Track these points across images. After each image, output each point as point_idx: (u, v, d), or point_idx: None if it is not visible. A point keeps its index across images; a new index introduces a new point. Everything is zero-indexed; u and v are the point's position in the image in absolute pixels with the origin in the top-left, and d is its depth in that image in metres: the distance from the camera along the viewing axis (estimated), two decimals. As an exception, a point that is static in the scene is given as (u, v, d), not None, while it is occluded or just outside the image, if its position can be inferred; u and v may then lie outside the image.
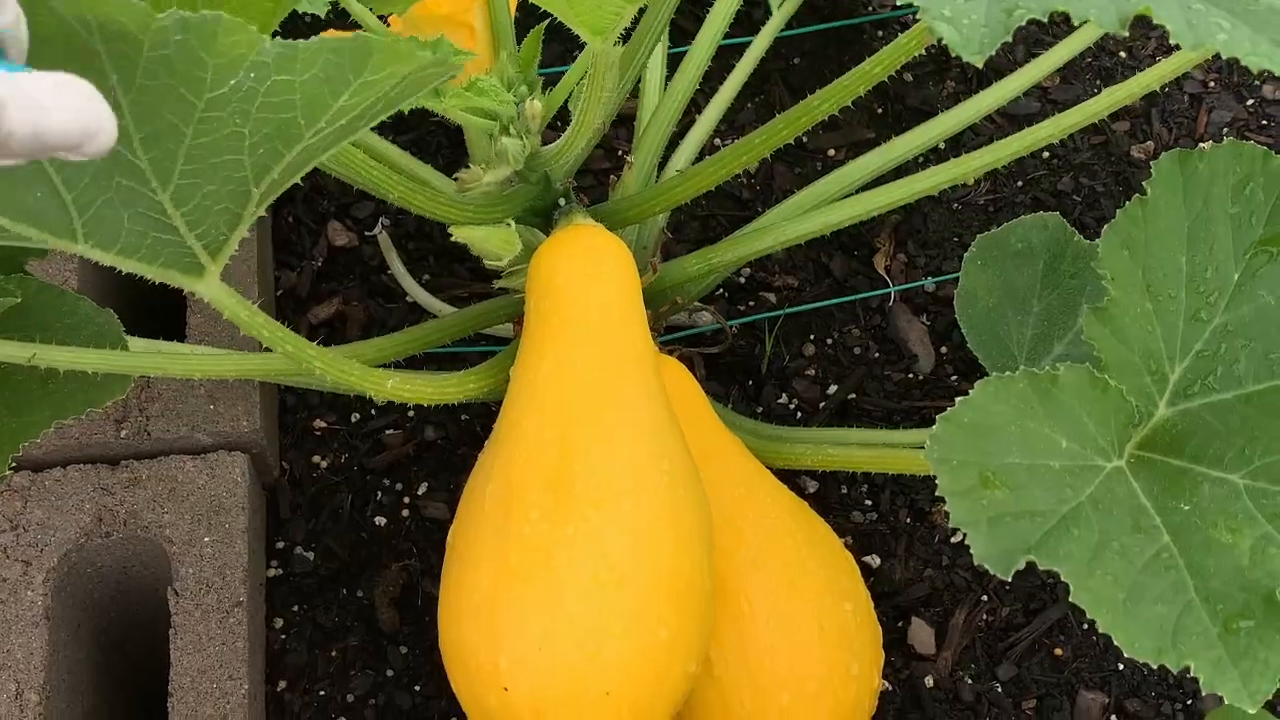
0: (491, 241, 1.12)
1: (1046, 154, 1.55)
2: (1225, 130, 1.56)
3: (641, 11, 1.11)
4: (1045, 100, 1.57)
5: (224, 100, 0.77)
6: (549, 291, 1.11)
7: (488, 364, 1.18)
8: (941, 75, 1.60)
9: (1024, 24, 0.77)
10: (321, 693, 1.27)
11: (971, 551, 0.89)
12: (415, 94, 0.83)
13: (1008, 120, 1.55)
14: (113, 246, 0.86)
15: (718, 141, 1.55)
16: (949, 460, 0.92)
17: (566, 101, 1.12)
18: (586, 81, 1.02)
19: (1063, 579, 0.87)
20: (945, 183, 1.19)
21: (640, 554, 1.00)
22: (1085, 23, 0.76)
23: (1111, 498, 0.92)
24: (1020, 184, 1.53)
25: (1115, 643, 0.85)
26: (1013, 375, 0.93)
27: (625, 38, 1.13)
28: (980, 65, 0.78)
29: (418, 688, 1.27)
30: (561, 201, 1.20)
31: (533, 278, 1.13)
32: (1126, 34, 0.77)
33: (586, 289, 1.10)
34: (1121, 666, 1.29)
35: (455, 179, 1.20)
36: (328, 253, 1.47)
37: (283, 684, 1.26)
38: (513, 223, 1.15)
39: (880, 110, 1.58)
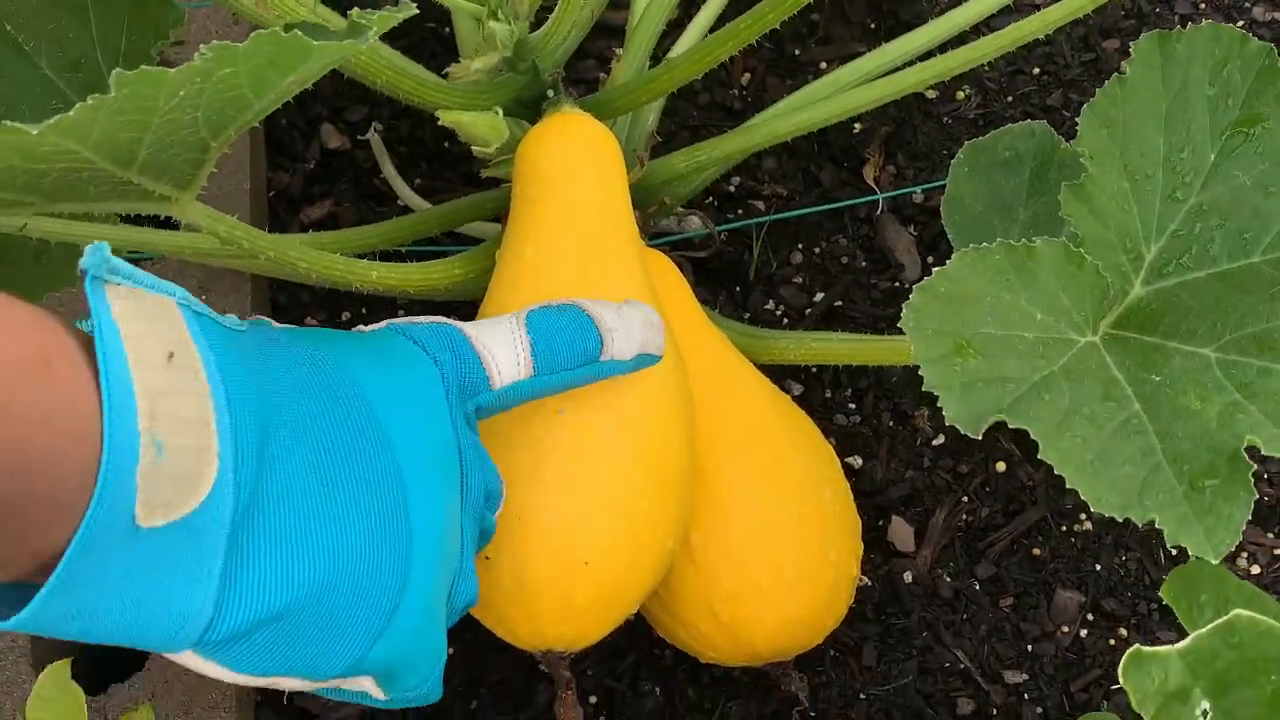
0: (479, 126, 1.13)
1: (1037, 70, 1.56)
2: (1215, 50, 1.56)
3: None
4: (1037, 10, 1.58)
5: (181, 103, 0.76)
6: (534, 177, 1.12)
7: (474, 250, 1.19)
8: (934, -8, 1.61)
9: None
10: (308, 580, 1.28)
11: (944, 413, 0.90)
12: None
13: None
14: (82, 202, 0.86)
15: (710, 55, 1.56)
16: (924, 328, 0.93)
17: (556, -10, 1.13)
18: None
19: (1032, 437, 0.88)
20: (930, 79, 1.20)
21: (619, 433, 1.02)
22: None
23: (1083, 369, 0.94)
24: (1010, 99, 1.54)
25: (1083, 498, 0.86)
26: (990, 247, 0.95)
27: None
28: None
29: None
30: (550, 93, 1.21)
31: (519, 164, 1.14)
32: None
33: (571, 174, 1.11)
34: (1099, 567, 1.30)
35: (447, 70, 1.22)
36: (321, 155, 1.49)
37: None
38: (499, 110, 1.16)
39: (874, 25, 1.59)
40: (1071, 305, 0.96)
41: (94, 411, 0.66)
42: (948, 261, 0.95)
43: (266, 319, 0.84)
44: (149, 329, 0.69)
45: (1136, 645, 0.82)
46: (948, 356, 0.92)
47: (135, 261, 1.32)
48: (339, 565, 0.75)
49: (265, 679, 0.76)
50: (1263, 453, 0.88)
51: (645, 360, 0.97)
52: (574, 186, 1.10)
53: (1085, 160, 0.98)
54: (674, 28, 1.42)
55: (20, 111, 0.94)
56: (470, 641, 1.26)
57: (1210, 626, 0.83)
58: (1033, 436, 0.88)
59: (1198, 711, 0.84)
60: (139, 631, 0.70)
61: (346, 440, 0.78)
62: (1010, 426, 0.89)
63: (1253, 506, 0.86)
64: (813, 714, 1.24)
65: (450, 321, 0.91)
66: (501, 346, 0.89)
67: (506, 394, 0.90)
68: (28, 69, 0.94)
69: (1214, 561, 0.83)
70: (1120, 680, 0.82)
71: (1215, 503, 0.86)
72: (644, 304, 0.99)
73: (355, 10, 0.77)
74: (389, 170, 1.44)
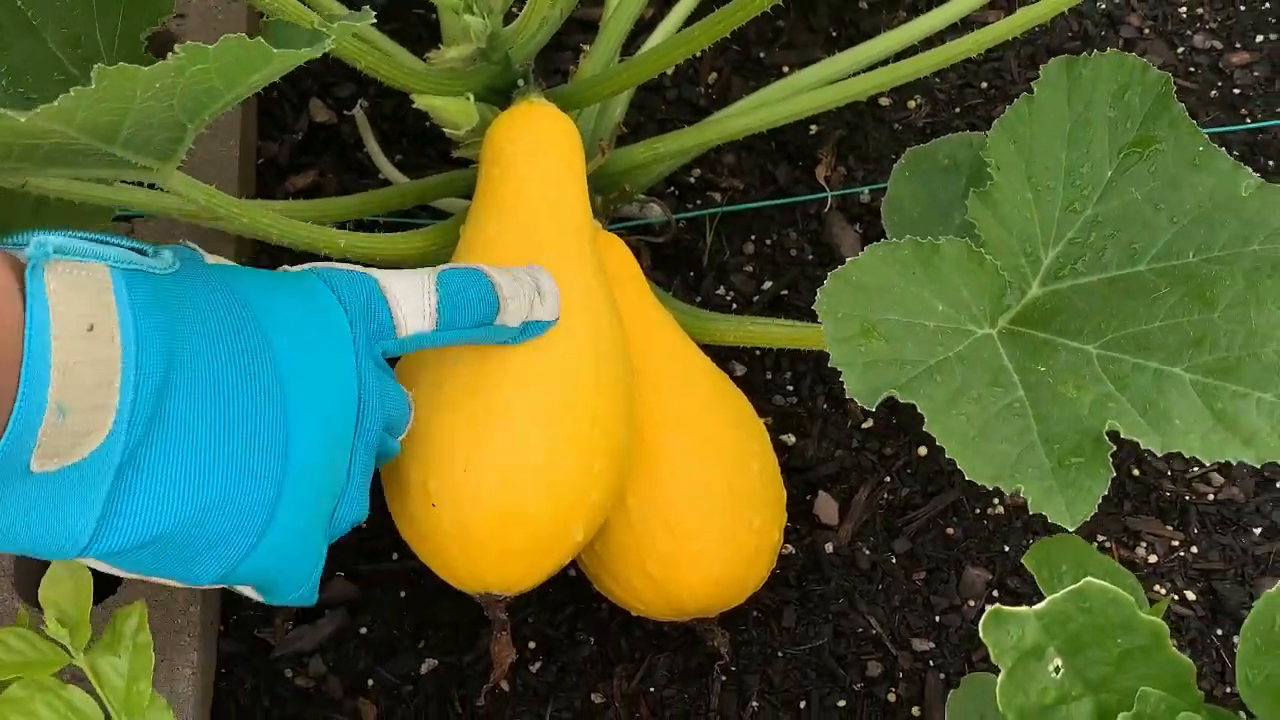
0: (450, 110, 1.23)
1: (985, 84, 1.66)
2: (1155, 74, 1.66)
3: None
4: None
5: (156, 94, 0.85)
6: (499, 160, 1.22)
7: (440, 224, 1.29)
8: (895, 4, 1.70)
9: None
10: (274, 522, 1.38)
11: (845, 387, 1.00)
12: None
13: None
14: (73, 169, 0.97)
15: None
16: (835, 312, 1.03)
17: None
18: (540, -37, 1.13)
19: (920, 412, 0.98)
20: (874, 87, 1.30)
21: (560, 395, 1.12)
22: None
23: (976, 356, 1.04)
24: (958, 110, 1.64)
25: (960, 468, 0.96)
26: (899, 242, 1.05)
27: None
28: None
29: (363, 523, 1.39)
30: (521, 83, 1.30)
31: (486, 147, 1.24)
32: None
33: (532, 159, 1.21)
34: (1007, 549, 1.40)
35: (426, 57, 1.31)
36: (309, 128, 1.58)
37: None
38: (471, 96, 1.25)
39: (835, 34, 1.69)
40: (971, 299, 1.06)
41: (17, 351, 0.78)
42: (862, 253, 1.05)
43: (198, 253, 0.97)
44: (76, 301, 0.82)
45: (997, 605, 0.92)
46: (854, 338, 1.02)
47: (127, 219, 1.42)
48: (210, 502, 0.88)
49: (149, 578, 0.90)
50: (1121, 436, 0.98)
51: (534, 327, 1.08)
52: (534, 171, 1.20)
53: (992, 170, 1.08)
54: (649, 27, 1.52)
55: (25, 80, 1.03)
56: (420, 588, 1.36)
57: (1065, 592, 0.93)
58: (921, 412, 0.98)
59: (1050, 668, 0.94)
60: (32, 546, 0.84)
61: (241, 382, 0.90)
62: (901, 401, 0.99)
63: (1109, 483, 0.96)
64: (733, 668, 1.34)
65: (369, 271, 1.02)
66: (410, 300, 1.00)
67: (407, 343, 1.02)
68: (35, 42, 1.04)
69: (1070, 528, 0.94)
70: (980, 635, 0.92)
71: (1078, 478, 0.96)
72: (545, 273, 1.10)
73: (318, 18, 0.87)
74: (372, 145, 1.54)
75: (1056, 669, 0.94)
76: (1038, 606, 0.93)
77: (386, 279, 1.02)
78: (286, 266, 1.04)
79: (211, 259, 0.99)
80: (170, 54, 0.80)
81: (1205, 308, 1.03)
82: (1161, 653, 0.93)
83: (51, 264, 0.82)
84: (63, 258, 0.83)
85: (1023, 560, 0.97)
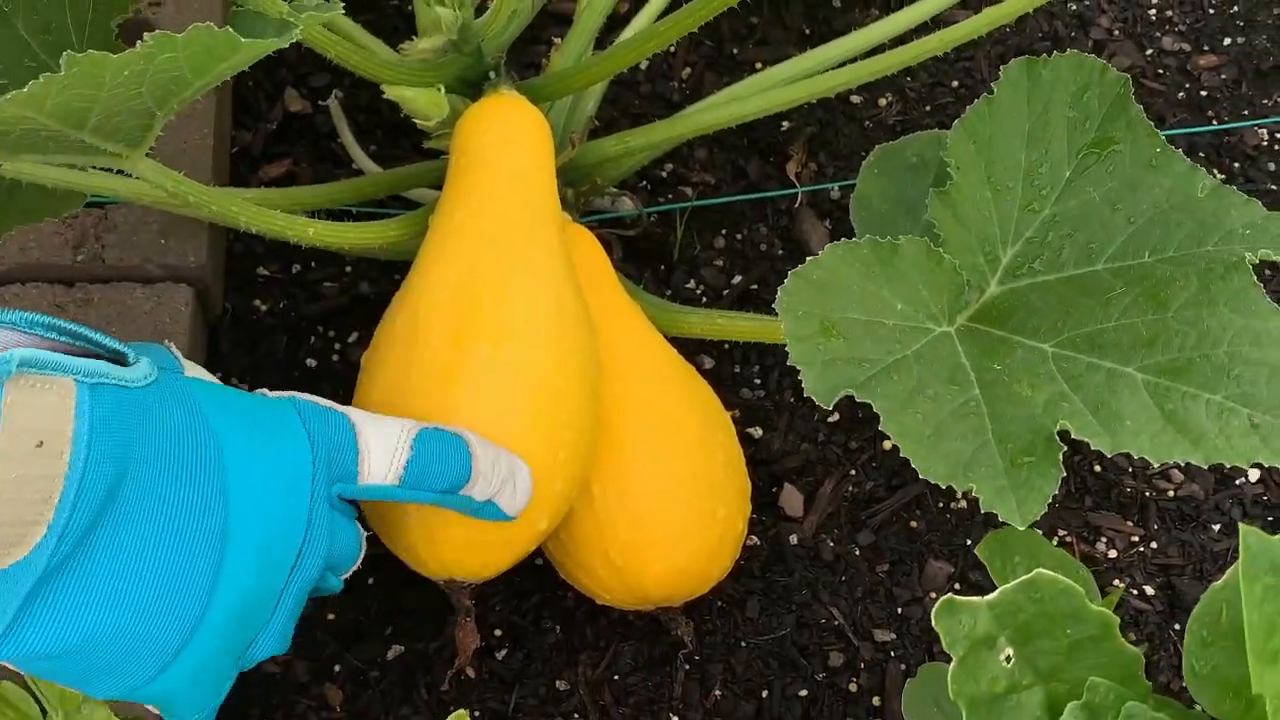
0: (420, 101, 1.24)
1: (956, 83, 1.67)
2: (1123, 75, 1.68)
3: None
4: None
5: (125, 82, 0.86)
6: (468, 151, 1.23)
7: (411, 214, 1.31)
8: (867, 3, 1.72)
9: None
10: (244, 508, 1.39)
11: (803, 385, 1.02)
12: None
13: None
14: (44, 154, 0.98)
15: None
16: (795, 310, 1.05)
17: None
18: (508, -42, 1.14)
19: (876, 412, 1.00)
20: (842, 84, 1.31)
21: (525, 386, 1.13)
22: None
23: (934, 355, 1.06)
24: (929, 108, 1.66)
25: (914, 466, 0.98)
26: (859, 241, 1.07)
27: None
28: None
29: (332, 511, 1.40)
30: (492, 74, 1.32)
31: (456, 138, 1.25)
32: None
33: (501, 151, 1.23)
34: (969, 542, 1.42)
35: (400, 47, 1.33)
36: (283, 117, 1.59)
37: (209, 496, 1.39)
38: (442, 88, 1.27)
39: (809, 31, 1.70)
40: (930, 298, 1.07)
41: None
42: (822, 252, 1.07)
43: (178, 361, 0.95)
44: (32, 416, 0.80)
45: (950, 595, 0.94)
46: (813, 336, 1.04)
47: (100, 205, 1.42)
48: (124, 626, 0.87)
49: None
50: (1073, 436, 1.00)
51: (491, 510, 1.06)
52: (503, 161, 1.22)
53: (952, 170, 1.10)
54: (624, 21, 1.54)
55: (-5, 68, 1.05)
56: (389, 576, 1.37)
57: (1016, 582, 0.95)
58: (876, 411, 1.00)
59: (1002, 657, 0.96)
60: None
61: (185, 508, 0.89)
62: (858, 401, 1.00)
63: (1060, 483, 0.98)
64: (697, 657, 1.36)
65: (346, 411, 1.01)
66: (381, 449, 0.99)
67: (366, 490, 1.00)
68: (5, 29, 1.05)
69: (1020, 528, 0.95)
70: (933, 623, 0.94)
71: (1030, 477, 0.98)
72: (525, 471, 1.08)
73: (287, 9, 0.88)
74: (346, 135, 1.55)
75: (1008, 658, 0.95)
76: (989, 596, 0.95)
77: (362, 423, 1.00)
78: (265, 391, 1.02)
79: (191, 370, 0.97)
80: (140, 42, 0.81)
81: (1159, 308, 1.05)
82: (1111, 643, 0.95)
83: (14, 377, 0.80)
84: (28, 371, 0.80)
85: (976, 551, 0.99)
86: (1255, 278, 1.06)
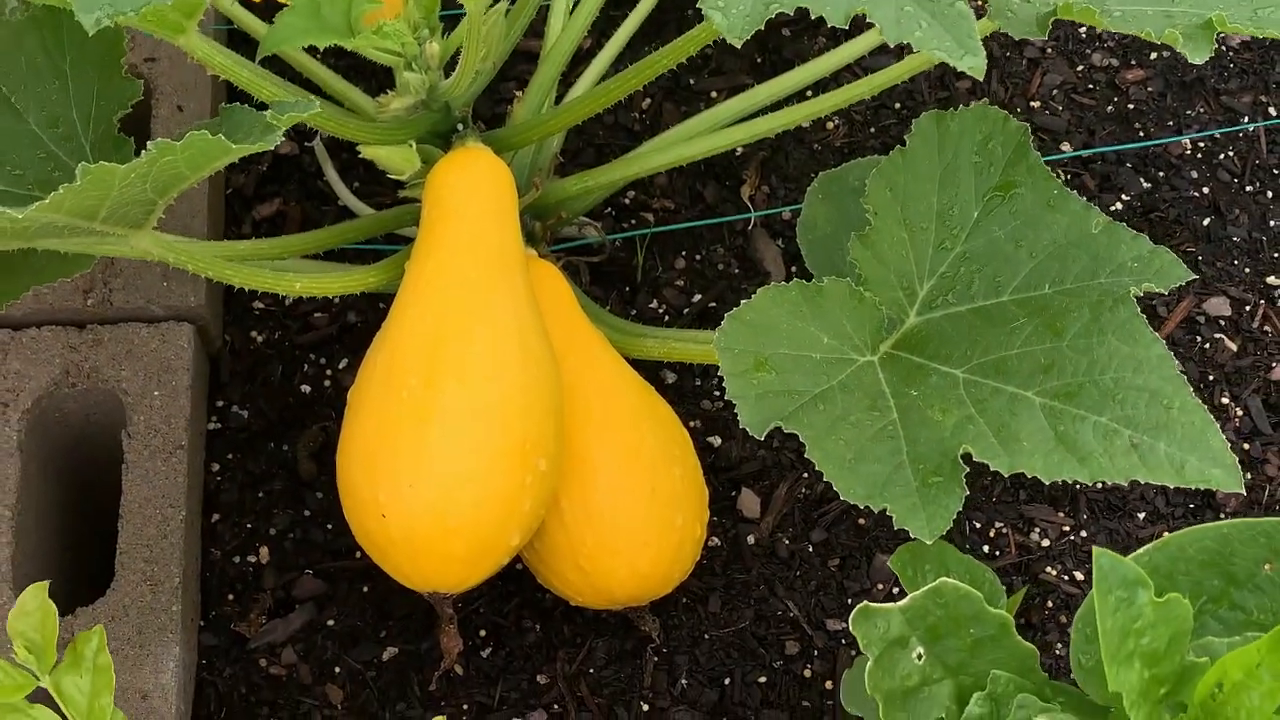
0: (394, 159, 1.37)
1: (898, 105, 1.79)
2: (1055, 91, 1.80)
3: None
4: (899, 58, 1.81)
5: (131, 183, 0.98)
6: (438, 202, 1.36)
7: (387, 261, 1.43)
8: (815, 32, 1.83)
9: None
10: (248, 526, 1.53)
11: (739, 418, 1.15)
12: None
13: (868, 74, 1.79)
14: (60, 239, 1.09)
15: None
16: (731, 349, 1.17)
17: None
18: (466, 34, 1.26)
19: (803, 440, 1.13)
20: (781, 126, 1.44)
21: (493, 420, 1.26)
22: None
23: (858, 383, 1.18)
24: (873, 130, 1.78)
25: (835, 489, 1.11)
26: (787, 285, 1.19)
27: (512, -6, 1.37)
28: (738, 46, 1.02)
29: (329, 526, 1.54)
30: (460, 127, 1.44)
31: (427, 190, 1.38)
32: (846, 27, 1.01)
33: (467, 202, 1.35)
34: (914, 537, 1.55)
35: (376, 101, 1.45)
36: (273, 159, 1.72)
37: (216, 517, 1.53)
38: (414, 143, 1.39)
39: (760, 60, 1.82)
40: (853, 331, 1.20)
41: None
42: (754, 295, 1.19)
43: None
44: None
45: (865, 602, 1.07)
46: (748, 372, 1.16)
47: (111, 262, 1.54)
48: None
49: None
50: (974, 459, 1.12)
51: None
52: (469, 212, 1.34)
53: (871, 215, 1.22)
54: (590, 55, 1.65)
55: (11, 158, 1.17)
56: (380, 583, 1.50)
57: (923, 590, 1.08)
58: (803, 440, 1.13)
59: (914, 655, 1.08)
60: None
61: None
62: (785, 432, 1.13)
63: (963, 500, 1.10)
64: (664, 650, 1.49)
65: None
66: None
67: None
68: (18, 123, 1.18)
69: (928, 542, 1.08)
70: (851, 629, 1.07)
71: (937, 496, 1.10)
72: None
73: (270, 112, 1.01)
74: (331, 175, 1.67)
75: (919, 656, 1.08)
76: (900, 603, 1.08)
77: None
78: None
79: None
80: (144, 150, 0.94)
81: (1055, 337, 1.17)
82: (1008, 640, 1.08)
83: None
84: None
85: (889, 562, 1.12)
86: (1138, 309, 1.18)
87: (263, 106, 1.15)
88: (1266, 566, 1.03)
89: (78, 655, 1.11)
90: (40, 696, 1.11)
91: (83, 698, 1.10)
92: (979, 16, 1.09)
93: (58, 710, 1.11)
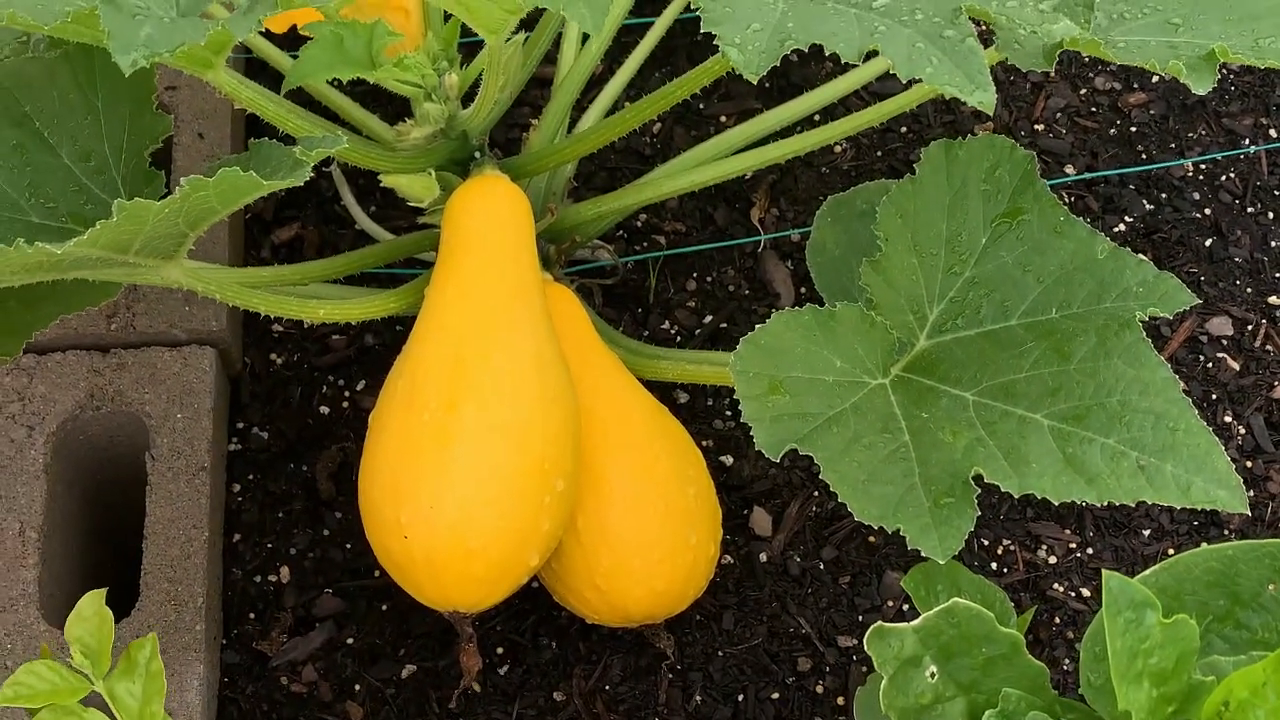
0: (414, 187, 1.40)
1: (904, 129, 1.82)
2: (1059, 114, 1.83)
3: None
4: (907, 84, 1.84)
5: (164, 218, 1.01)
6: (457, 229, 1.39)
7: (406, 287, 1.46)
8: (821, 58, 1.87)
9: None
10: (269, 545, 1.56)
11: (755, 440, 1.17)
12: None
13: (875, 98, 1.82)
14: (92, 270, 1.13)
15: (628, 104, 1.82)
16: (747, 372, 1.20)
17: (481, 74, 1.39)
18: (486, 65, 1.29)
19: (818, 462, 1.16)
20: (789, 153, 1.47)
21: (512, 442, 1.28)
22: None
23: (870, 406, 1.21)
24: (880, 154, 1.81)
25: (850, 510, 1.14)
26: (800, 309, 1.22)
27: (530, 25, 1.40)
28: (754, 82, 1.05)
29: (348, 545, 1.56)
30: (477, 155, 1.47)
31: (446, 217, 1.40)
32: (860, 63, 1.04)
33: (485, 230, 1.38)
34: (923, 554, 1.58)
35: (395, 129, 1.48)
36: (290, 185, 1.75)
37: (237, 537, 1.56)
38: (433, 171, 1.42)
39: (768, 84, 1.85)
40: (865, 355, 1.23)
41: None
42: (768, 320, 1.22)
43: None
44: None
45: (879, 622, 1.09)
46: (763, 395, 1.19)
47: (134, 287, 1.57)
48: None
49: None
50: (985, 480, 1.15)
51: None
52: (487, 240, 1.37)
53: (881, 241, 1.25)
54: (602, 80, 1.68)
55: (45, 192, 1.20)
56: (400, 602, 1.53)
57: (936, 610, 1.10)
58: (817, 462, 1.15)
59: (927, 674, 1.11)
60: None
61: None
62: (801, 453, 1.16)
63: (975, 521, 1.13)
64: (679, 667, 1.52)
65: None
66: None
67: None
68: (51, 157, 1.21)
69: (941, 562, 1.11)
70: (866, 648, 1.09)
71: (949, 516, 1.13)
72: None
73: (299, 148, 1.03)
74: (348, 198, 1.71)
75: (932, 674, 1.11)
76: (914, 623, 1.10)
77: None
78: None
79: None
80: (177, 187, 0.97)
81: (1063, 360, 1.20)
82: (1020, 659, 1.11)
83: None
84: None
85: (902, 583, 1.15)
86: (1144, 333, 1.21)
87: (287, 138, 1.18)
88: (1270, 587, 1.06)
89: (131, 662, 1.14)
90: (94, 701, 1.14)
91: (135, 703, 1.13)
92: (986, 46, 1.12)
93: (110, 715, 1.14)
